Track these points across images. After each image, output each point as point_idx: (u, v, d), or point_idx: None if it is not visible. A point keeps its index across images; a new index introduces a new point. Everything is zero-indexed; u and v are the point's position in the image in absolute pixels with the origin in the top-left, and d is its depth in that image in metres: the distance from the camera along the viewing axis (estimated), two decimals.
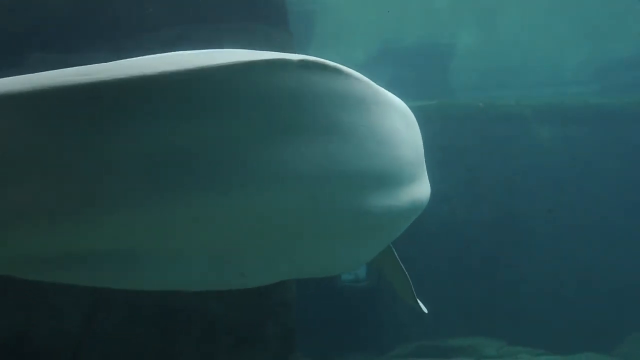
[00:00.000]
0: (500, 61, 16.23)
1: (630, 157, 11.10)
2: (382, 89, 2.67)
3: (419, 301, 3.73)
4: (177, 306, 6.08)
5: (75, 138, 1.80)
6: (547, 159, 10.97)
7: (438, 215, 10.52)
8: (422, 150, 3.12)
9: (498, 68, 16.34)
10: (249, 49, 6.76)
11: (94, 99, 1.79)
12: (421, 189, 3.01)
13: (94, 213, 1.85)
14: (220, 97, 1.98)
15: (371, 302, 10.35)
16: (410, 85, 9.65)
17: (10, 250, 1.95)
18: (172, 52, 2.60)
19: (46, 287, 5.87)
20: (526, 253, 10.78)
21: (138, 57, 2.32)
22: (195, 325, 6.13)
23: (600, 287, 10.80)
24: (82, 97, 1.78)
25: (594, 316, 10.59)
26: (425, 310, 3.72)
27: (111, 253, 2.01)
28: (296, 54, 2.45)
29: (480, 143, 10.21)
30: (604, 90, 14.58)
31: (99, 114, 1.81)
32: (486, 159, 10.71)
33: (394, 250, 3.37)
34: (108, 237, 1.95)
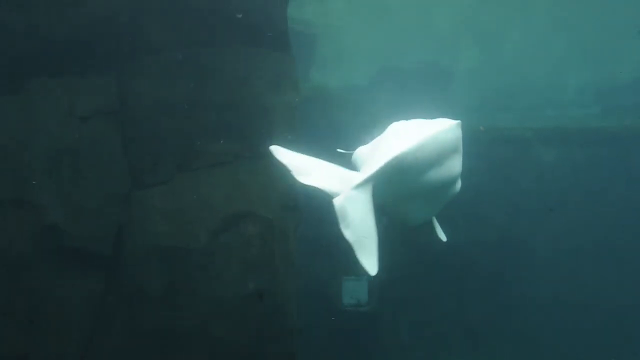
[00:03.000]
0: (501, 83, 16.29)
1: (631, 179, 11.09)
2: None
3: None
4: (178, 328, 6.04)
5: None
6: (549, 181, 10.96)
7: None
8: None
9: (499, 90, 16.39)
10: (251, 71, 6.76)
11: None
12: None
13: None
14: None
15: (373, 326, 10.27)
16: (411, 107, 9.66)
17: None
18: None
19: (47, 310, 5.84)
20: (529, 275, 10.72)
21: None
22: (196, 348, 6.09)
23: (603, 310, 10.73)
24: None
25: (596, 339, 10.51)
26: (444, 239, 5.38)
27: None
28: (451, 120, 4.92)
29: (482, 165, 10.20)
30: (605, 113, 14.62)
31: None
32: (488, 181, 10.70)
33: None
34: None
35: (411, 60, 15.44)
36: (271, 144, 6.66)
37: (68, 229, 5.92)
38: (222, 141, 6.38)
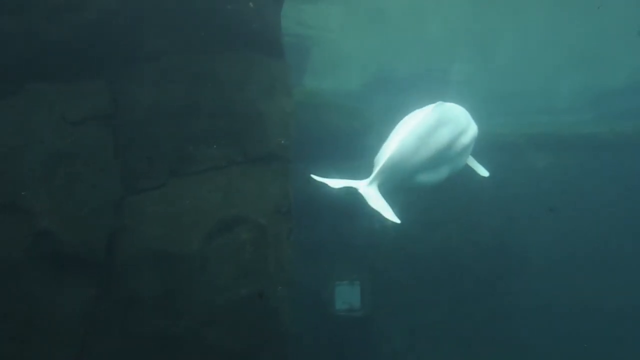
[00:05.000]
0: (496, 90, 16.35)
1: (623, 184, 11.14)
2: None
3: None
4: (171, 333, 6.04)
5: None
6: (541, 186, 10.99)
7: (432, 242, 10.50)
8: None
9: (493, 97, 16.44)
10: (245, 77, 6.80)
11: None
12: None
13: None
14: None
15: (366, 331, 10.27)
16: (405, 113, 9.68)
17: None
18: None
19: (40, 317, 5.82)
20: (522, 281, 10.74)
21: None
22: (189, 353, 6.08)
23: (595, 316, 10.76)
24: None
25: (590, 345, 10.52)
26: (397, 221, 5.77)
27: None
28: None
29: (475, 171, 10.23)
30: (597, 119, 14.69)
31: None
32: (482, 187, 10.73)
33: None
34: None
35: (406, 66, 15.48)
36: (265, 149, 6.72)
37: (61, 234, 5.90)
38: (215, 146, 6.39)
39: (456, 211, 10.66)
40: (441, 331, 10.52)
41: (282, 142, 6.65)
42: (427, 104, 7.97)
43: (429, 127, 6.18)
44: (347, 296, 10.18)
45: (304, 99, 9.92)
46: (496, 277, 10.71)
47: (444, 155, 6.46)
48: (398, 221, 5.68)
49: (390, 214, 5.66)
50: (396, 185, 6.08)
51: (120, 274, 6.06)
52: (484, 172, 7.72)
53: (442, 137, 6.33)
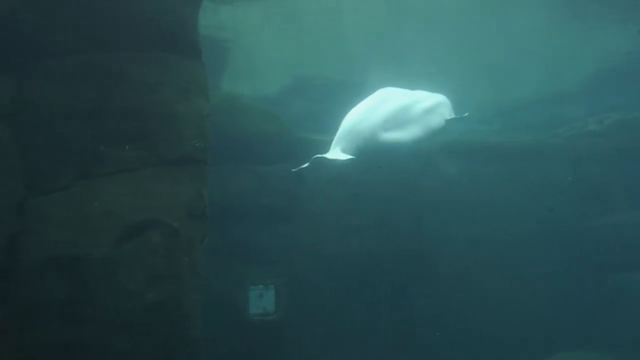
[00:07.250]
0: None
1: (528, 192, 11.67)
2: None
3: None
4: (78, 342, 5.80)
5: None
6: (453, 193, 11.34)
7: (349, 247, 10.63)
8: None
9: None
10: (160, 78, 6.63)
11: None
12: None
13: None
14: None
15: (280, 336, 10.25)
16: (321, 119, 9.77)
17: None
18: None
19: None
20: (432, 285, 11.03)
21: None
22: None
23: (506, 319, 11.16)
24: None
25: (500, 349, 10.91)
26: None
27: None
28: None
29: (390, 178, 10.44)
30: (504, 129, 15.34)
31: None
32: (396, 193, 10.96)
33: None
34: None
35: (323, 72, 15.62)
36: (180, 151, 6.59)
37: None
38: (127, 148, 6.22)
39: (373, 216, 10.84)
40: (355, 335, 10.64)
41: (198, 144, 6.54)
42: (346, 111, 8.16)
43: (373, 102, 7.74)
44: (261, 300, 10.13)
45: (221, 101, 9.82)
46: (409, 282, 10.95)
47: (404, 115, 7.89)
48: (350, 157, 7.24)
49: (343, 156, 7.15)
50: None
51: (23, 279, 5.77)
52: (464, 114, 9.22)
53: (389, 105, 7.79)
